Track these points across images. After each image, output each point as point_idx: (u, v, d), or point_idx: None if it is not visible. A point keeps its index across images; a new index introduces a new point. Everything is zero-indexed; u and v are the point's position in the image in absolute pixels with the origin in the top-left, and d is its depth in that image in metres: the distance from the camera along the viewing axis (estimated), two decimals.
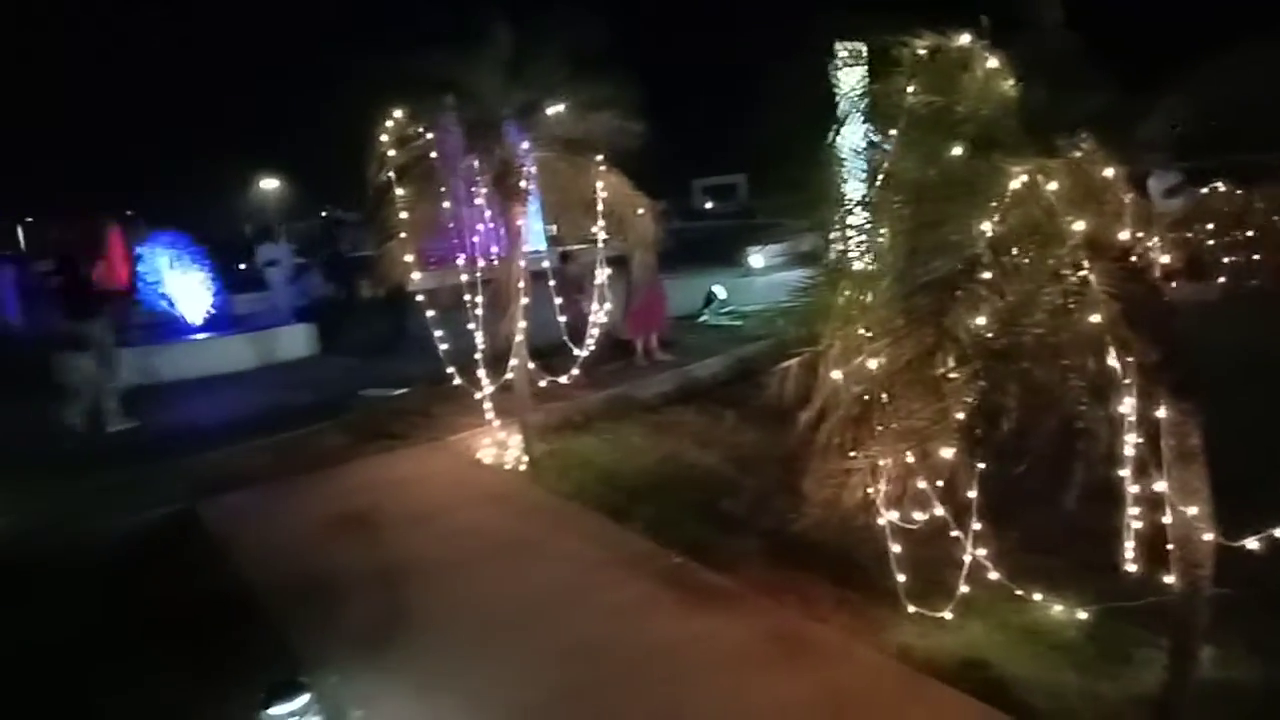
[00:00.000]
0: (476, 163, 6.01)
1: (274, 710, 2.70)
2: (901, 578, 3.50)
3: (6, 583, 4.60)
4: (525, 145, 5.91)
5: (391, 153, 5.65)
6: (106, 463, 6.74)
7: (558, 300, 6.69)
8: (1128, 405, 2.76)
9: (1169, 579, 2.83)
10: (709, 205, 40.73)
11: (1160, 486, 2.75)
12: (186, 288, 12.16)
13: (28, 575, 4.69)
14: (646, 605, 3.85)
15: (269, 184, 60.43)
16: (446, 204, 5.98)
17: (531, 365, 6.33)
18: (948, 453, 2.82)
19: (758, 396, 6.91)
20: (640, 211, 6.28)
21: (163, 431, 7.83)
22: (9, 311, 12.19)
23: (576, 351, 6.69)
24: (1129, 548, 3.14)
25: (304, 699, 2.74)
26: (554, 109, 6.04)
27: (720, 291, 11.66)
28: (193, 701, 3.40)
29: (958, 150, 2.73)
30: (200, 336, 11.85)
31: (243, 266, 17.51)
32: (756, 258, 13.74)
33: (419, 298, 6.16)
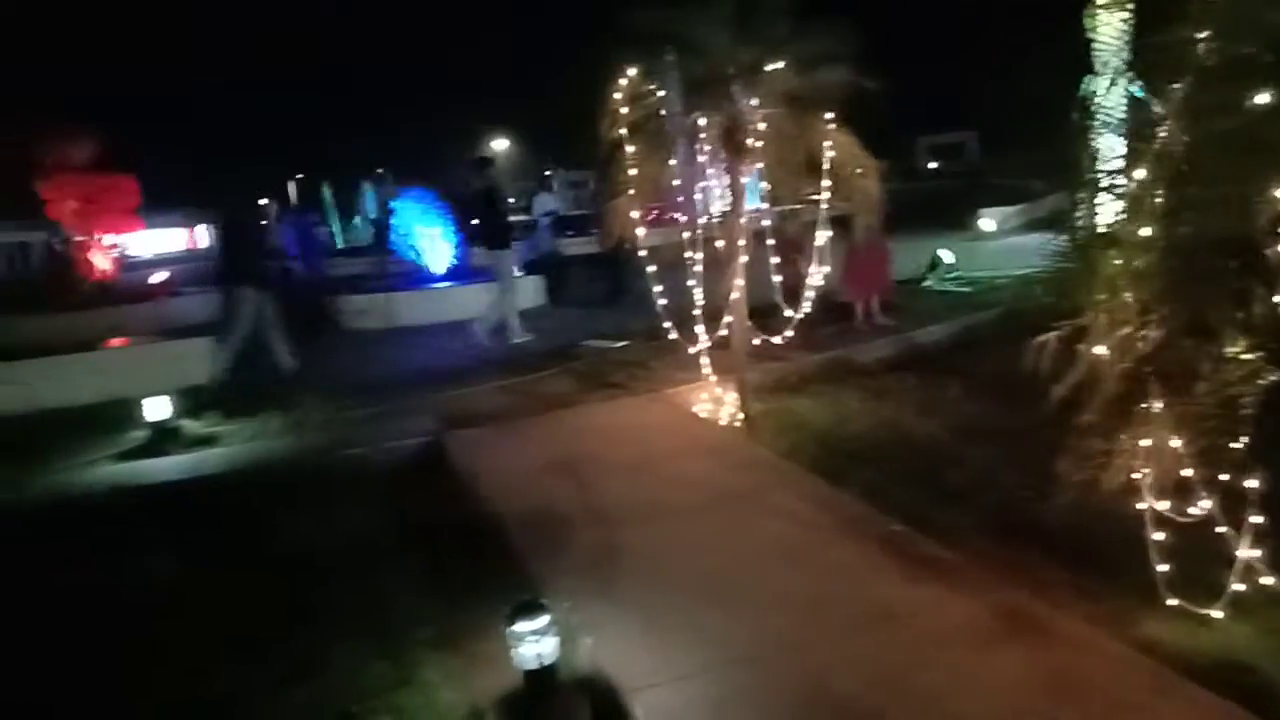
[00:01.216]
0: (703, 120, 6.04)
1: (518, 626, 2.94)
2: (1164, 568, 3.21)
3: (293, 497, 5.27)
4: (753, 101, 5.86)
5: (624, 110, 5.79)
6: (371, 393, 7.56)
7: (775, 260, 6.63)
8: None
9: None
10: (933, 165, 38.64)
11: None
12: (431, 240, 13.21)
13: (312, 491, 5.36)
14: (865, 568, 3.79)
15: (498, 144, 63.83)
16: (672, 161, 6.07)
17: (749, 324, 6.34)
18: (1235, 443, 2.53)
19: (985, 366, 6.59)
20: (866, 171, 6.08)
21: (411, 370, 8.64)
22: (293, 258, 13.79)
23: (792, 312, 6.61)
24: None
25: (545, 619, 2.97)
26: (782, 64, 5.94)
27: (947, 256, 11.06)
28: (446, 609, 3.77)
29: (1264, 98, 2.41)
30: (442, 285, 12.87)
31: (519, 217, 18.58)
32: (988, 221, 12.89)
33: (641, 254, 6.32)
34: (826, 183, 5.94)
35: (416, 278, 13.24)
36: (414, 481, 5.54)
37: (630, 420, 6.31)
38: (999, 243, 12.09)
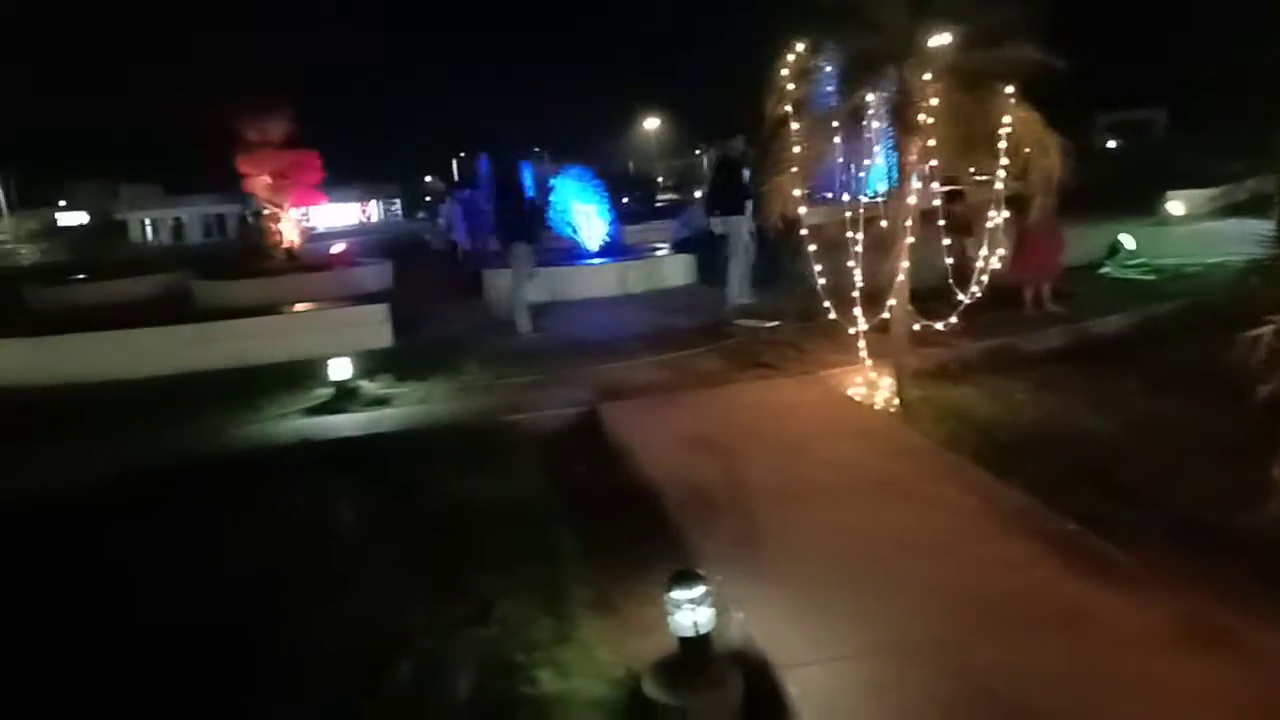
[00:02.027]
0: (871, 96, 5.86)
1: (676, 593, 3.00)
2: None
3: (460, 456, 5.56)
4: (926, 76, 5.62)
5: (790, 86, 5.69)
6: (529, 362, 7.85)
7: (945, 241, 6.36)
8: None
9: None
10: (1111, 144, 35.94)
11: None
12: (586, 217, 13.50)
13: (477, 451, 5.64)
14: (1031, 565, 3.62)
15: (650, 123, 64.30)
16: (838, 138, 5.92)
17: (910, 308, 6.13)
18: None
19: (1170, 360, 6.10)
20: (1047, 149, 5.71)
21: (567, 341, 8.90)
22: (459, 235, 14.47)
23: (959, 297, 6.33)
24: None
25: (702, 589, 3.01)
26: (957, 37, 5.67)
27: (1128, 241, 10.27)
28: (603, 572, 3.89)
29: None
30: (596, 261, 13.14)
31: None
32: (1176, 204, 11.86)
33: (803, 232, 6.21)
34: (1004, 161, 5.63)
35: (572, 254, 13.58)
36: (572, 448, 5.73)
37: (782, 400, 6.25)
38: (1188, 228, 11.11)
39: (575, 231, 13.54)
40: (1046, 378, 6.45)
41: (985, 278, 6.27)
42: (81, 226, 47.72)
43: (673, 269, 12.78)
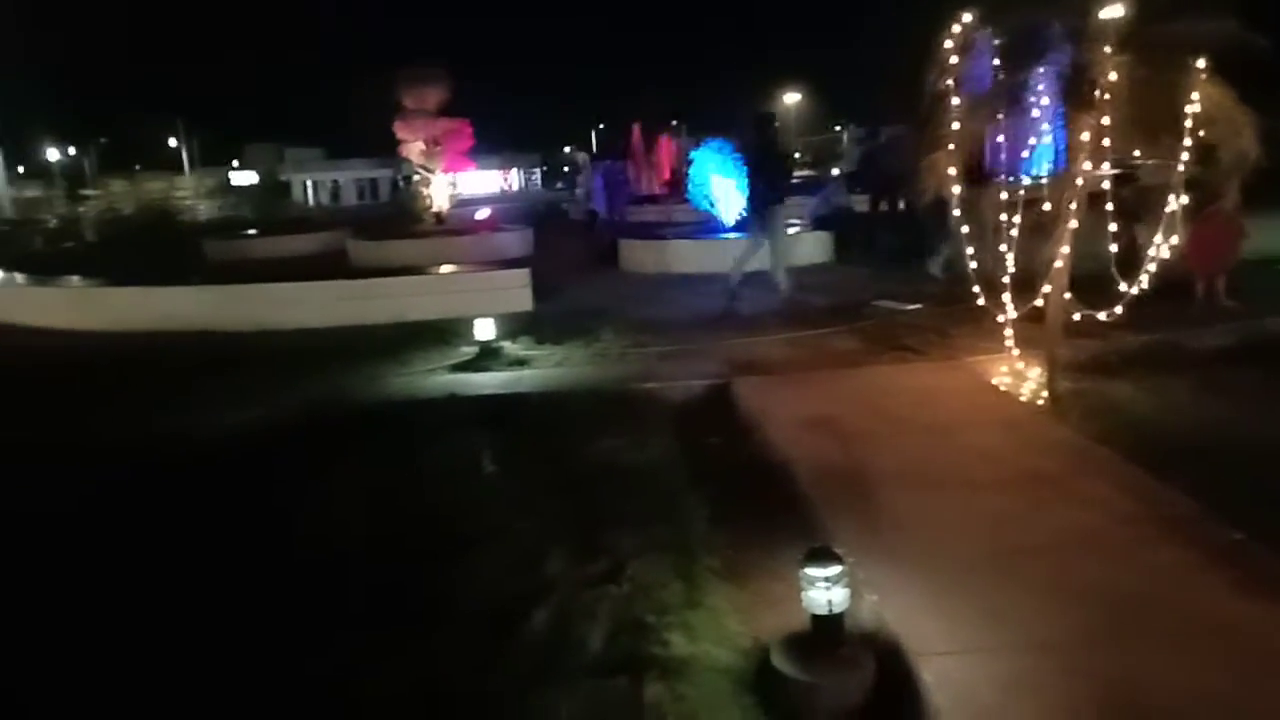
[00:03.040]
0: (1042, 69, 5.52)
1: (811, 570, 2.98)
2: None
3: (597, 418, 5.70)
4: (1105, 49, 5.24)
5: (954, 59, 5.44)
6: (663, 332, 7.90)
7: (1112, 227, 5.95)
8: None
9: None
10: None
11: None
12: (725, 191, 13.39)
13: (613, 415, 5.76)
14: (1193, 573, 3.39)
15: (790, 97, 63.01)
16: (1001, 115, 5.63)
17: (1069, 296, 5.79)
18: None
19: None
20: (1240, 130, 5.24)
21: (699, 315, 8.90)
22: (598, 204, 14.69)
23: (1123, 286, 5.93)
24: None
25: (837, 568, 2.98)
26: (1140, 7, 5.26)
27: None
28: (735, 543, 3.92)
29: None
30: (732, 236, 13.05)
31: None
32: None
33: (955, 213, 5.96)
34: (1187, 142, 5.21)
35: (705, 228, 13.53)
36: (705, 419, 5.75)
37: (923, 385, 6.06)
38: None
39: (713, 205, 13.47)
40: (1215, 378, 5.98)
41: (1154, 267, 5.84)
42: (251, 186, 51.29)
43: (811, 246, 12.55)
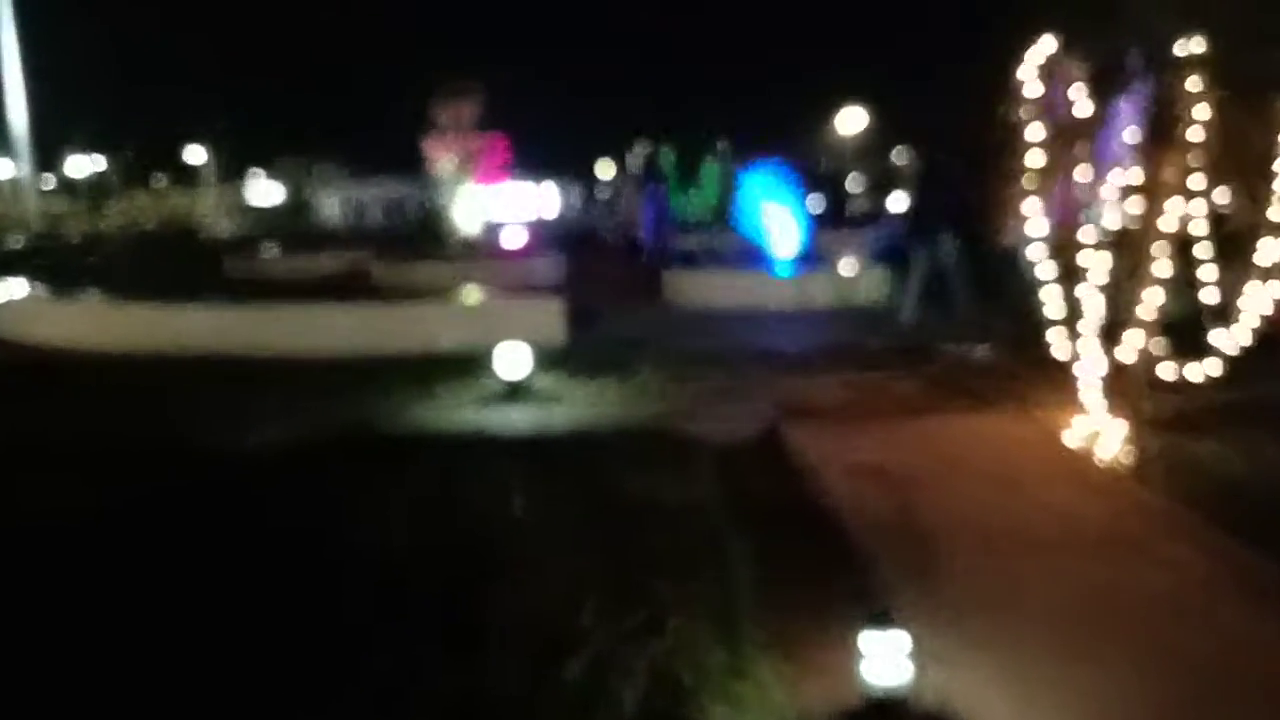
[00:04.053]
0: (1126, 104, 5.49)
1: (868, 641, 2.92)
2: None
3: (634, 458, 5.68)
4: (1194, 85, 5.20)
5: (1032, 90, 5.42)
6: (705, 370, 7.91)
7: (1202, 274, 5.85)
8: None
9: None
10: None
11: None
12: (778, 221, 13.33)
13: (651, 455, 5.74)
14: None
15: (855, 117, 62.84)
16: (1083, 150, 5.59)
17: (1157, 342, 5.69)
18: None
19: None
20: None
21: (749, 351, 8.88)
22: (646, 231, 14.77)
23: (1214, 339, 5.81)
24: None
25: (899, 638, 2.91)
26: (1231, 40, 5.21)
27: None
28: (783, 604, 3.85)
29: None
30: (784, 271, 13.02)
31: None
32: None
33: (1030, 253, 5.90)
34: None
35: (759, 260, 13.40)
36: (752, 464, 5.70)
37: (988, 435, 5.99)
38: None
39: (764, 237, 13.39)
40: None
41: (1249, 318, 5.71)
42: (275, 206, 52.54)
43: (869, 282, 12.50)
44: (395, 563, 4.44)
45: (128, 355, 9.54)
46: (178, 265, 20.13)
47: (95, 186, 50.80)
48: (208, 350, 9.30)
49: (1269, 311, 5.76)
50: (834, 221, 22.11)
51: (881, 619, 2.96)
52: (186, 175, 55.29)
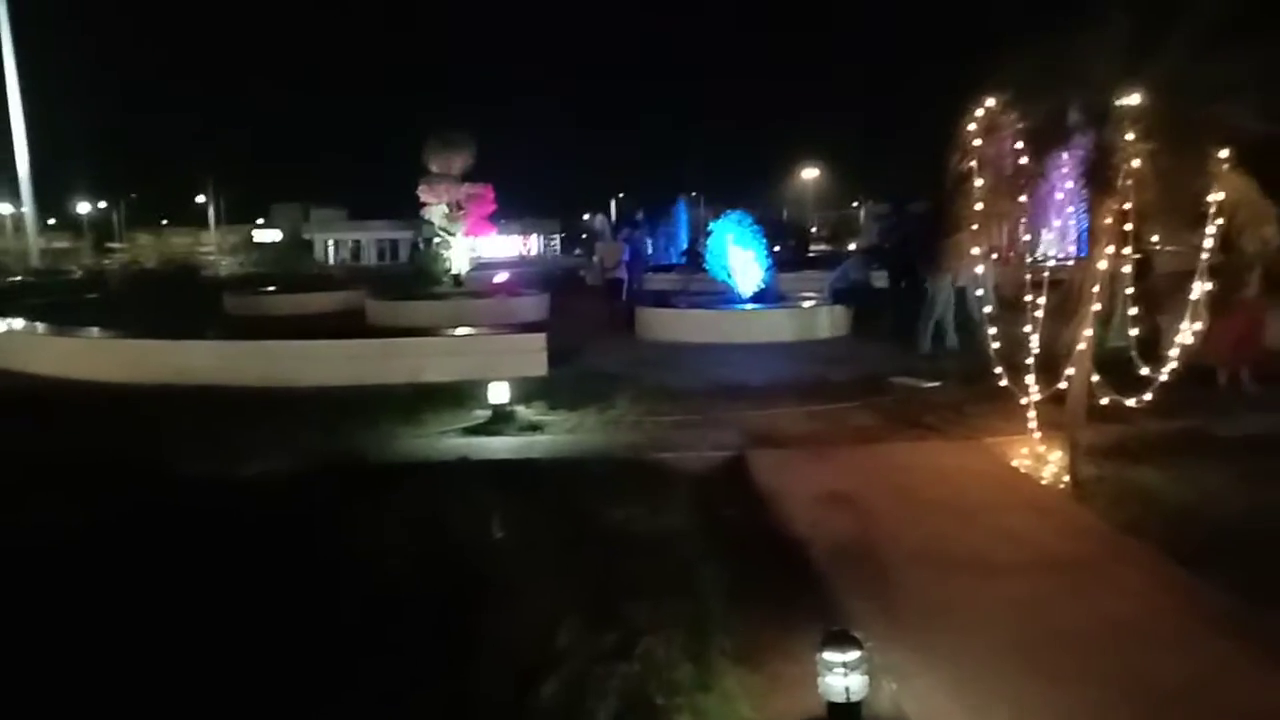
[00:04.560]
0: (1065, 154, 5.60)
1: (828, 655, 2.89)
2: None
3: (610, 487, 5.63)
4: (1129, 136, 5.31)
5: (977, 142, 5.52)
6: (679, 401, 7.89)
7: (1134, 311, 5.94)
8: None
9: None
10: None
11: None
12: (743, 263, 13.50)
13: (626, 484, 5.69)
14: (1238, 667, 3.27)
15: (809, 173, 64.20)
16: (1024, 198, 5.68)
17: (1093, 379, 5.75)
18: None
19: None
20: (1262, 221, 5.28)
21: (715, 385, 8.88)
22: (623, 272, 14.84)
23: (1148, 371, 5.88)
24: None
25: (856, 653, 2.88)
26: (1166, 96, 5.34)
27: None
28: (749, 622, 3.80)
29: None
30: (750, 307, 13.13)
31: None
32: None
33: (979, 292, 5.97)
34: (1210, 229, 5.23)
35: (725, 299, 13.61)
36: (721, 491, 5.67)
37: (941, 464, 5.98)
38: None
39: (730, 276, 13.58)
40: (1248, 467, 5.83)
41: (1179, 352, 5.79)
42: (274, 243, 52.36)
43: (828, 319, 12.61)
44: (380, 584, 4.35)
45: (128, 387, 9.39)
46: (179, 301, 19.91)
47: (97, 225, 50.42)
48: (206, 383, 9.17)
49: (1196, 345, 5.85)
50: (796, 263, 22.42)
51: (840, 635, 2.94)
52: (188, 216, 55.07)
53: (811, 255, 32.99)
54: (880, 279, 13.55)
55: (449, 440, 7.02)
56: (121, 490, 5.68)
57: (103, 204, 55.80)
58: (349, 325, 14.72)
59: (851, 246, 27.34)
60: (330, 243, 66.72)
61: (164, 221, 57.50)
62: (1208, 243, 5.41)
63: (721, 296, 13.78)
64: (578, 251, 50.91)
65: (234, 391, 8.89)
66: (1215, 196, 5.19)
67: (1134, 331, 6.01)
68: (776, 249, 19.16)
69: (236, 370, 9.71)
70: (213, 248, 47.62)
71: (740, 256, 13.50)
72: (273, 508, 5.42)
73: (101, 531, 4.95)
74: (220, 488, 5.87)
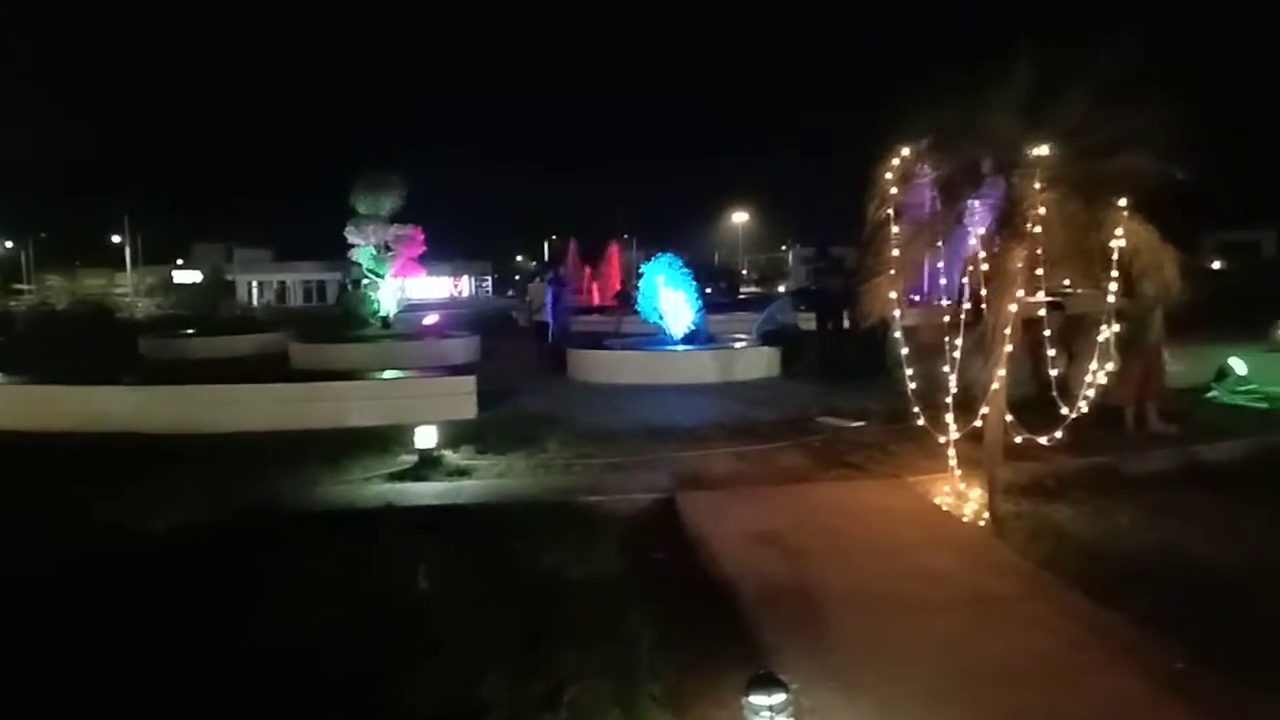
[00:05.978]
0: (977, 203, 5.83)
1: (754, 699, 2.88)
2: None
3: (538, 532, 5.55)
4: (1036, 185, 5.57)
5: (893, 190, 5.72)
6: (608, 443, 7.86)
7: (1050, 352, 6.18)
8: None
9: None
10: (1217, 265, 34.95)
11: None
12: (674, 304, 13.63)
13: (554, 528, 5.62)
14: (1142, 703, 3.37)
15: (738, 217, 65.46)
16: (940, 243, 5.89)
17: (1008, 418, 5.94)
18: None
19: None
20: (1161, 266, 5.57)
21: (643, 426, 8.87)
22: (548, 315, 14.79)
23: (1061, 410, 6.11)
24: None
25: (782, 696, 2.88)
26: (1070, 147, 5.63)
27: (1238, 366, 9.80)
28: (676, 666, 3.77)
29: None
30: (681, 349, 13.22)
31: None
32: None
33: (896, 334, 6.14)
34: (1115, 273, 5.50)
35: (656, 340, 13.69)
36: (649, 534, 5.64)
37: (866, 503, 6.07)
38: None
39: (661, 318, 13.67)
40: (1154, 502, 6.09)
41: (1089, 393, 6.04)
42: (195, 284, 50.77)
43: (757, 360, 12.78)
44: (298, 638, 4.18)
45: (35, 435, 8.92)
46: (90, 345, 19.07)
47: (3, 265, 48.21)
48: (119, 430, 8.78)
49: (1105, 385, 6.10)
50: (727, 305, 22.76)
51: (766, 678, 2.93)
52: (104, 257, 53.09)
53: (742, 297, 33.70)
54: (807, 321, 13.83)
55: (374, 487, 6.84)
56: (22, 546, 5.37)
57: (9, 244, 53.44)
58: (271, 369, 14.31)
59: (781, 289, 27.90)
60: (255, 284, 65.05)
61: (76, 263, 55.26)
62: (1112, 286, 5.67)
63: (653, 338, 13.86)
64: (510, 293, 50.79)
65: (149, 439, 8.55)
66: (1117, 242, 5.46)
67: (1054, 371, 6.25)
68: (708, 291, 19.49)
69: (151, 416, 9.33)
70: (128, 289, 45.89)
71: (671, 298, 13.62)
72: (186, 562, 5.19)
73: None
74: (130, 540, 5.60)
